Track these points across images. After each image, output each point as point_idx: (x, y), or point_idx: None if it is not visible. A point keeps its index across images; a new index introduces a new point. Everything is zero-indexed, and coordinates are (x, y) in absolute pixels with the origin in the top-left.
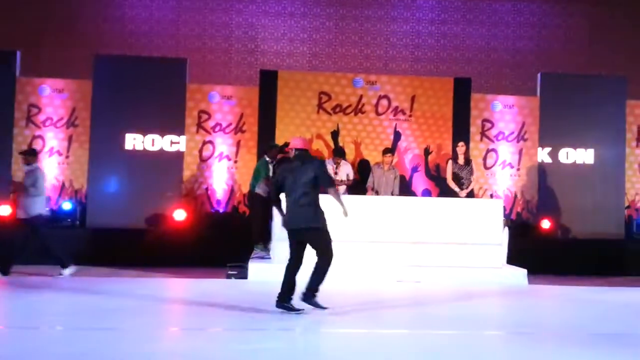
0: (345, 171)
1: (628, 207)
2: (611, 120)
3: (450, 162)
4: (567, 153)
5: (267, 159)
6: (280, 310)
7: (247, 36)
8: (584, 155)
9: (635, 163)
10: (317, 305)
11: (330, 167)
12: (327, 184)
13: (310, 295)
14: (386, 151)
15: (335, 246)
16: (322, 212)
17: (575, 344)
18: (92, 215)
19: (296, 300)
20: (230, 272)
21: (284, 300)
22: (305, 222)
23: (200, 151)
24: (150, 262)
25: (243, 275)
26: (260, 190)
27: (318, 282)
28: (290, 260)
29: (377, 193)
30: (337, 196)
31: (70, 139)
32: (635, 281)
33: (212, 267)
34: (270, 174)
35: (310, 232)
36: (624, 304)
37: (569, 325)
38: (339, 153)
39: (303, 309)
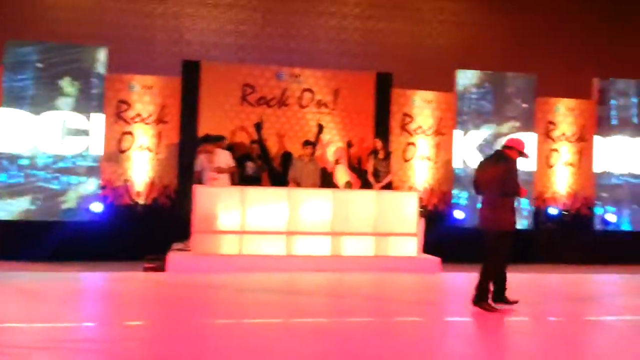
0: (223, 160)
1: (536, 198)
2: (522, 116)
3: (371, 156)
4: (481, 147)
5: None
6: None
7: (171, 26)
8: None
9: (542, 156)
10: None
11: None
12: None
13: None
14: (306, 143)
15: (261, 237)
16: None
17: (481, 329)
18: None
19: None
20: (147, 265)
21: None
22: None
23: (119, 142)
24: (64, 256)
25: (161, 268)
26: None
27: (477, 284)
28: None
29: (298, 185)
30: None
31: None
32: (541, 268)
33: (130, 261)
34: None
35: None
36: (529, 289)
37: (474, 310)
38: (211, 139)
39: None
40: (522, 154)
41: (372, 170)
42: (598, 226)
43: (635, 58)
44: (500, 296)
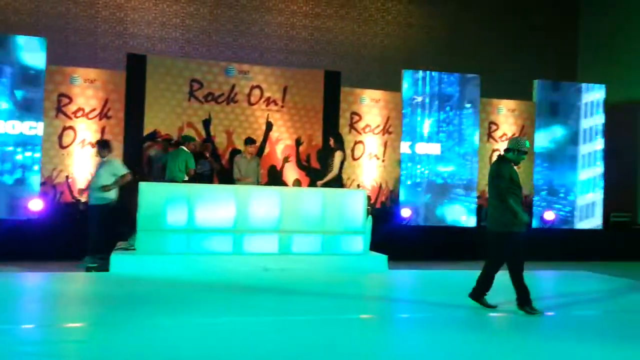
0: (109, 171)
1: (479, 197)
2: (466, 115)
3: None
4: (426, 146)
5: (187, 150)
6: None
7: (115, 18)
8: (443, 148)
9: (485, 156)
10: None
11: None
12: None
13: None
14: (250, 141)
15: (208, 236)
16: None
17: (427, 326)
18: None
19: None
20: (90, 265)
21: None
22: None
23: (60, 137)
24: (1, 256)
25: (104, 267)
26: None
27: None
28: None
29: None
30: None
31: None
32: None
33: (72, 261)
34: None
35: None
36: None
37: (421, 308)
38: (102, 145)
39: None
40: (519, 152)
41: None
42: (535, 224)
43: (573, 61)
44: (479, 296)
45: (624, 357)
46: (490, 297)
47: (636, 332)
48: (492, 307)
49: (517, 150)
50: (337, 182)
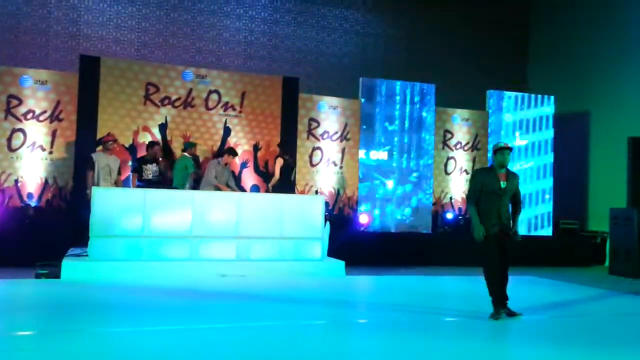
0: None
1: (434, 203)
2: (422, 124)
3: None
4: (383, 154)
5: (189, 155)
6: None
7: (68, 18)
8: (400, 156)
9: (441, 164)
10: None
11: None
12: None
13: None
14: (233, 153)
15: (163, 242)
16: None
17: (384, 331)
18: None
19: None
20: (39, 272)
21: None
22: None
23: (9, 140)
24: None
25: (55, 274)
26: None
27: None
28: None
29: (218, 188)
30: None
31: None
32: (439, 271)
33: (21, 267)
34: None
35: None
36: (425, 291)
37: (378, 313)
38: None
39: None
40: (495, 153)
41: None
42: None
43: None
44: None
45: (571, 358)
46: (461, 303)
47: (582, 335)
48: (517, 315)
49: (494, 152)
50: (286, 187)
